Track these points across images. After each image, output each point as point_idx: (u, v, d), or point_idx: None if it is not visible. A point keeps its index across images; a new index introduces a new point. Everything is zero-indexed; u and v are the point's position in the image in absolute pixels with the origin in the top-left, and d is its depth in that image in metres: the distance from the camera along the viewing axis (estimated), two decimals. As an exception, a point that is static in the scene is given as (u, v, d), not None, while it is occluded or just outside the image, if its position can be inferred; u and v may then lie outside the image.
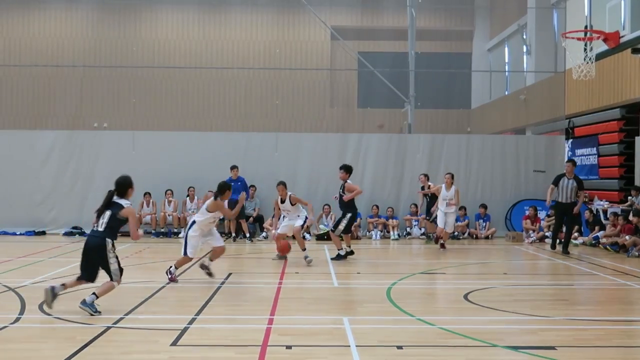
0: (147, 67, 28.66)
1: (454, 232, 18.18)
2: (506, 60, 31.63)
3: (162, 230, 18.84)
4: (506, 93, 30.72)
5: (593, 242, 16.80)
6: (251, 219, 18.82)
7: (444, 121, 31.71)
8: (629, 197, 17.96)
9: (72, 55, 29.69)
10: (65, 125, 26.27)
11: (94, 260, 8.42)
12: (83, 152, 19.67)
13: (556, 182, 15.78)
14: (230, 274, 11.94)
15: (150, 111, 30.21)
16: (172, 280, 10.66)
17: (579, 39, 15.66)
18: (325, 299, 9.64)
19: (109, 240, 8.36)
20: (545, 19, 26.48)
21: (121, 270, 8.48)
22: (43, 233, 19.10)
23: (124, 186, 8.83)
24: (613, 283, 11.35)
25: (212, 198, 10.91)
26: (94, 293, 8.31)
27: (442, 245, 16.02)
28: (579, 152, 21.98)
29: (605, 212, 18.49)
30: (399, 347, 6.81)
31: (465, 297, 9.62)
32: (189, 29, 32.31)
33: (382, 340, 7.19)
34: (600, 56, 15.60)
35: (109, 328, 7.51)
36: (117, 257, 8.45)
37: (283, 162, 19.56)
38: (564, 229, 16.01)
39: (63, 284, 8.40)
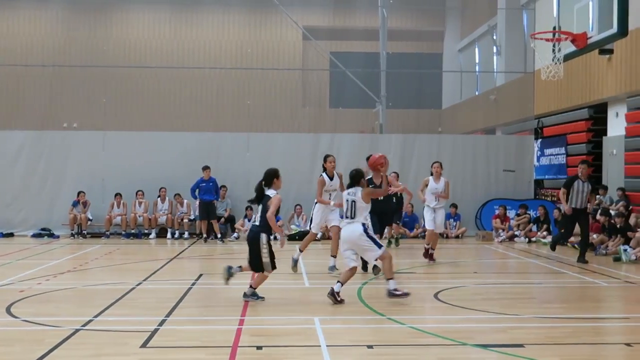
0: (118, 66, 28.40)
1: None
2: (476, 61, 31.89)
3: (133, 231, 18.68)
4: (476, 93, 31.00)
5: (562, 241, 16.97)
6: (222, 219, 18.75)
7: (415, 121, 31.86)
8: (597, 197, 18.21)
9: (42, 54, 29.32)
10: (34, 125, 25.89)
11: (253, 251, 9.05)
12: (53, 152, 19.44)
13: (569, 185, 13.91)
14: (201, 275, 11.88)
15: (121, 111, 29.93)
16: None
17: (547, 39, 15.80)
18: (296, 299, 9.64)
19: (263, 235, 8.93)
20: (514, 20, 26.75)
21: (273, 261, 9.09)
22: (11, 235, 18.83)
23: (270, 176, 9.21)
24: (581, 281, 11.51)
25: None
26: (250, 286, 9.19)
27: (432, 257, 13.44)
28: (547, 151, 22.28)
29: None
30: (370, 347, 6.84)
31: (436, 296, 9.68)
32: (160, 28, 32.12)
33: (352, 340, 7.21)
34: (568, 57, 15.75)
35: (77, 330, 7.43)
36: (270, 250, 8.98)
37: (255, 162, 19.46)
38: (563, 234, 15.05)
39: (240, 266, 9.38)
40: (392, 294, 9.00)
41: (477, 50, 31.74)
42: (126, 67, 28.93)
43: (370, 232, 9.12)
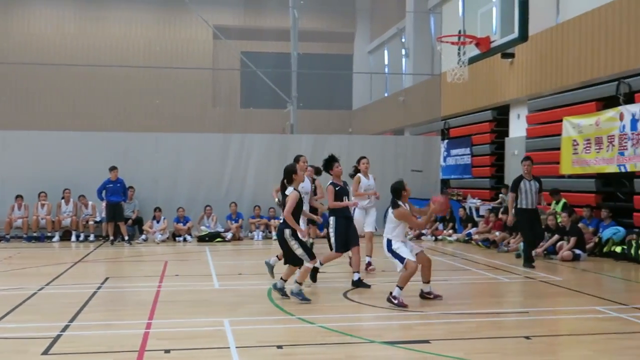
0: (18, 63, 27.31)
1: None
2: (386, 63, 32.45)
3: (35, 234, 17.99)
4: (386, 95, 31.55)
5: (466, 238, 17.50)
6: (130, 221, 18.34)
7: (327, 122, 32.16)
8: (500, 195, 18.88)
9: None
10: None
11: (284, 248, 9.19)
12: (-54, 152, 18.50)
13: (515, 188, 12.96)
14: (107, 279, 11.58)
15: (22, 109, 28.89)
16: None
17: (453, 43, 16.27)
18: (206, 301, 9.52)
19: (286, 230, 8.99)
20: (422, 23, 27.38)
21: (308, 250, 9.15)
22: None
23: (288, 173, 9.30)
24: (484, 277, 11.88)
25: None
26: (296, 281, 9.17)
27: (368, 264, 12.35)
28: (453, 152, 22.91)
29: (477, 209, 19.33)
30: (279, 347, 6.83)
31: (345, 294, 9.78)
32: (64, 24, 31.17)
33: (262, 340, 7.18)
34: (472, 60, 16.29)
35: (-27, 339, 7.10)
36: (299, 241, 9.02)
37: (164, 163, 19.18)
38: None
39: (277, 256, 9.87)
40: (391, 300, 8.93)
41: (386, 52, 32.31)
42: (28, 65, 27.87)
43: (395, 245, 9.06)
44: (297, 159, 10.52)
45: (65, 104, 30.11)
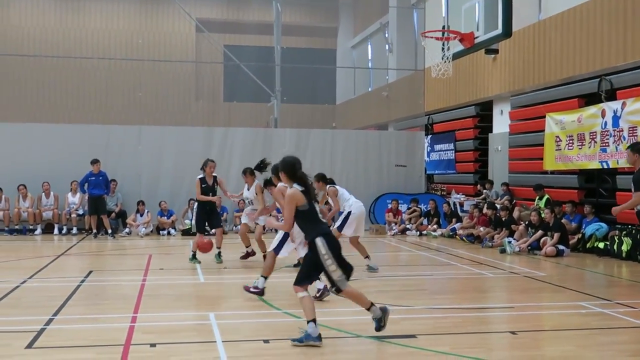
0: (-2, 54, 27.00)
1: None
2: (369, 57, 32.44)
3: (17, 227, 17.82)
4: (369, 89, 31.54)
5: (451, 233, 17.57)
6: (113, 214, 18.21)
7: (310, 116, 32.12)
8: (484, 191, 18.96)
9: None
10: None
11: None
12: None
13: None
14: (90, 272, 11.49)
15: (1, 102, 28.53)
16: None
17: (437, 38, 16.29)
18: (191, 294, 9.49)
19: (317, 241, 7.29)
20: (405, 18, 27.40)
21: (346, 270, 7.02)
22: None
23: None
24: (469, 272, 11.93)
25: None
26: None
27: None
28: (437, 147, 22.98)
29: (461, 204, 19.41)
30: (266, 341, 6.81)
31: (330, 289, 9.75)
32: (44, 15, 30.82)
33: (248, 334, 7.17)
34: (456, 55, 16.32)
35: (-44, 333, 7.02)
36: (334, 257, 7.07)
37: (147, 156, 19.06)
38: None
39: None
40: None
41: (369, 47, 32.30)
42: (7, 56, 27.54)
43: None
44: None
45: (46, 96, 29.82)
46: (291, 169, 7.02)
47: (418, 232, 18.53)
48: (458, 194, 20.37)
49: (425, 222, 18.95)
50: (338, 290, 6.87)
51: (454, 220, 18.18)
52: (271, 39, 26.29)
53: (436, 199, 19.60)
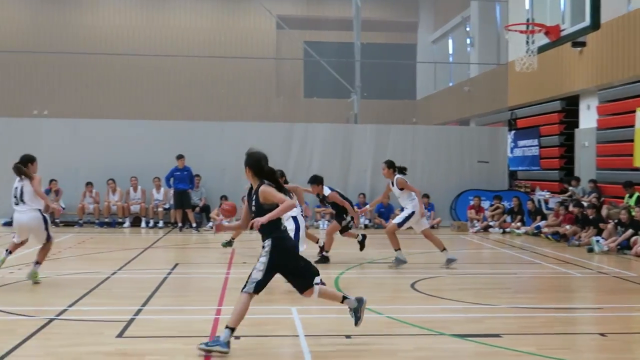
0: (88, 53, 28.00)
1: None
2: (450, 52, 32.02)
3: (106, 220, 18.49)
4: (450, 84, 31.14)
5: (535, 231, 17.16)
6: (197, 208, 18.63)
7: (390, 111, 31.97)
8: (570, 188, 18.44)
9: (12, 40, 28.80)
10: (3, 112, 25.48)
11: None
12: (22, 140, 19.02)
13: None
14: (176, 265, 11.80)
15: (92, 99, 29.60)
16: None
17: (521, 31, 15.91)
18: (274, 289, 9.55)
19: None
20: (488, 12, 26.91)
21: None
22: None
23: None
24: (554, 271, 11.63)
25: None
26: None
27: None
28: (521, 143, 22.48)
29: (546, 202, 18.95)
30: (348, 337, 6.83)
31: (412, 286, 9.72)
32: (132, 15, 31.75)
33: (330, 329, 7.20)
34: (542, 49, 15.90)
35: (51, 320, 7.32)
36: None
37: (229, 152, 19.36)
38: None
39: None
40: None
41: (450, 41, 31.88)
42: (97, 55, 28.53)
43: None
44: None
45: (133, 93, 30.73)
46: (257, 164, 6.42)
47: (501, 230, 18.19)
48: (543, 191, 19.88)
49: (508, 219, 18.58)
50: (243, 289, 6.44)
51: (538, 217, 17.75)
52: (351, 35, 26.29)
53: (520, 196, 19.19)
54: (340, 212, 12.20)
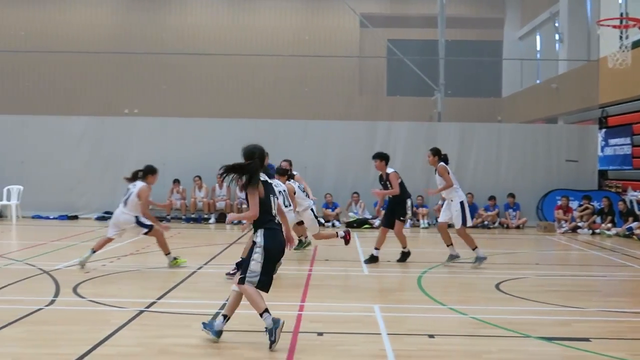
0: (176, 53, 28.72)
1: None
2: (537, 49, 31.22)
3: (193, 216, 18.96)
4: (537, 82, 30.34)
5: (627, 233, 16.56)
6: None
7: (474, 109, 31.40)
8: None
9: (104, 41, 29.87)
10: (96, 111, 26.48)
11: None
12: (114, 137, 19.84)
13: None
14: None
15: (179, 97, 30.33)
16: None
17: (614, 26, 15.39)
18: (356, 286, 9.62)
19: None
20: (578, 7, 26.06)
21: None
22: (76, 217, 19.33)
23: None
24: (647, 275, 11.20)
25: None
26: None
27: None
28: (612, 141, 21.66)
29: (639, 202, 18.24)
30: (431, 336, 6.77)
31: (497, 286, 9.54)
32: (218, 15, 32.36)
33: (413, 328, 7.15)
34: (636, 44, 15.35)
35: (141, 312, 7.57)
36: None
37: (312, 150, 19.55)
38: None
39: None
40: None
41: (538, 37, 31.07)
42: (184, 54, 29.24)
43: None
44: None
45: (218, 92, 31.32)
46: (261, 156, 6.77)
47: (590, 231, 17.63)
48: (635, 191, 19.13)
49: (598, 220, 17.98)
50: (241, 282, 6.47)
51: (630, 219, 17.11)
52: (435, 32, 26.00)
53: (610, 196, 18.54)
54: (396, 206, 11.92)
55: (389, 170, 12.12)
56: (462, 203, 11.48)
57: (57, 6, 30.52)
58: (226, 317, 6.62)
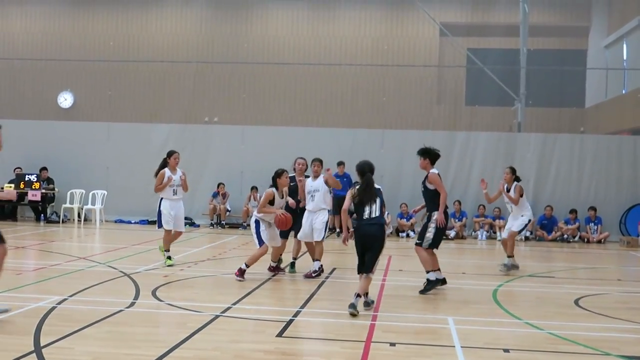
0: (257, 63, 29.21)
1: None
2: (624, 57, 30.23)
3: (269, 223, 19.18)
4: (623, 92, 29.37)
5: None
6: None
7: (556, 120, 30.62)
8: None
9: (186, 51, 30.65)
10: (178, 119, 27.21)
11: (376, 247, 8.80)
12: (194, 145, 20.31)
13: None
14: (334, 269, 12.04)
15: (259, 106, 30.79)
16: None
17: None
18: (429, 298, 9.54)
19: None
20: (669, 14, 25.15)
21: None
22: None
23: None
24: None
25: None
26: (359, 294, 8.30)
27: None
28: (703, 154, 20.76)
29: None
30: (506, 351, 6.65)
31: (576, 302, 9.28)
32: (298, 25, 32.71)
33: (488, 342, 7.04)
34: None
35: (217, 316, 7.72)
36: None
37: (389, 159, 19.49)
38: None
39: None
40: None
41: (625, 46, 30.09)
42: (265, 64, 29.70)
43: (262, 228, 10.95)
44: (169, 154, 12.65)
45: (297, 101, 31.65)
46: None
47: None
48: None
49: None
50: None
51: None
52: (516, 41, 25.55)
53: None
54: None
55: (433, 170, 10.99)
56: (529, 221, 12.56)
57: (144, 16, 31.50)
58: (358, 295, 8.19)
